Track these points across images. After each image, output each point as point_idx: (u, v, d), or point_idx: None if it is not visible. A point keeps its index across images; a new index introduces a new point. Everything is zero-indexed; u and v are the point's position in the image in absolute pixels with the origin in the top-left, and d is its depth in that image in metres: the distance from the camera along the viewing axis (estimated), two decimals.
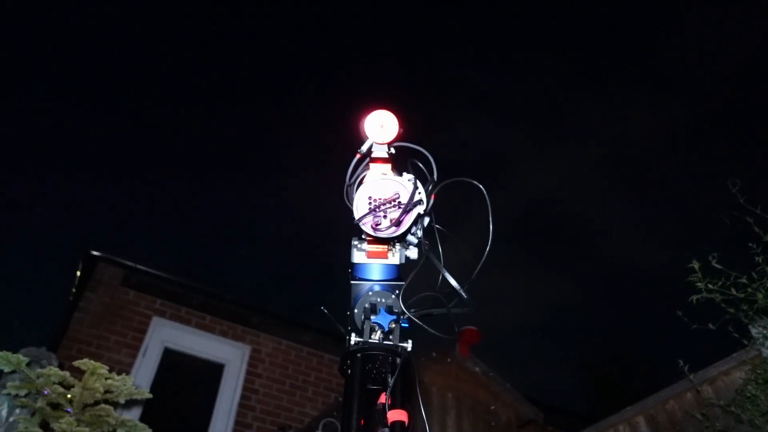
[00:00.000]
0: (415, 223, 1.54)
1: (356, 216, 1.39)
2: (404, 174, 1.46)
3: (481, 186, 1.67)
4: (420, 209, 1.43)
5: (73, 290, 6.39)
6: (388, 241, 1.58)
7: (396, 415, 1.34)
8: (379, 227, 1.40)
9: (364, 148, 1.52)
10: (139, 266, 6.46)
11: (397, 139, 1.57)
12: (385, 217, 1.40)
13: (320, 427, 5.45)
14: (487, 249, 1.62)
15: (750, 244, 3.04)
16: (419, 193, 1.42)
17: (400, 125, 1.57)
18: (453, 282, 1.48)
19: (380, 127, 1.50)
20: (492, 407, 5.92)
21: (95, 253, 6.29)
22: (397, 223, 1.40)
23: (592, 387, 14.68)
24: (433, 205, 1.69)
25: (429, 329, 1.53)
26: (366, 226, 1.40)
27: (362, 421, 1.35)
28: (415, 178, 1.43)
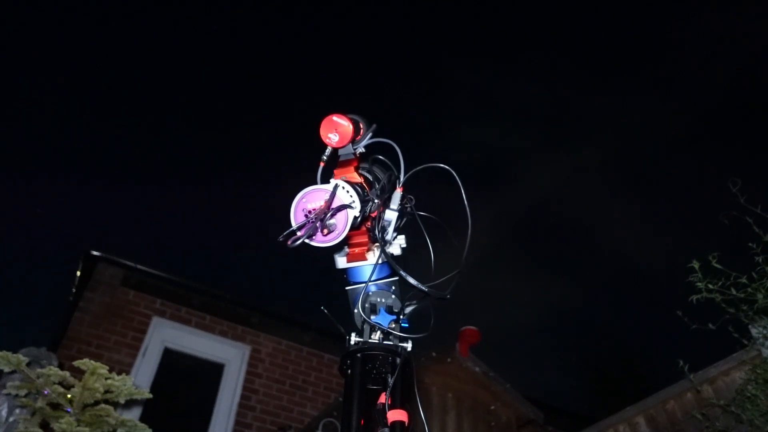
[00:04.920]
0: (371, 223, 1.53)
1: (293, 225, 1.33)
2: (332, 180, 1.42)
3: (449, 168, 1.68)
4: (353, 213, 1.38)
5: (73, 290, 6.39)
6: (341, 245, 1.58)
7: (396, 415, 1.35)
8: (315, 238, 1.35)
9: (326, 155, 1.52)
10: (139, 266, 6.46)
11: (362, 136, 1.57)
12: (323, 226, 1.35)
13: (320, 427, 5.45)
14: (469, 233, 1.63)
15: (750, 244, 3.04)
16: (350, 196, 1.38)
17: (358, 122, 1.56)
18: (412, 280, 1.48)
19: (334, 132, 1.50)
20: (492, 407, 5.92)
21: (95, 253, 6.29)
22: (324, 230, 1.34)
23: (592, 387, 14.69)
24: (407, 197, 1.69)
25: (399, 333, 1.51)
26: (300, 238, 1.31)
27: (362, 421, 1.35)
28: (336, 183, 1.38)
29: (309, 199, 1.37)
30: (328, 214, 1.32)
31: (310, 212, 1.34)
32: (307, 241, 1.32)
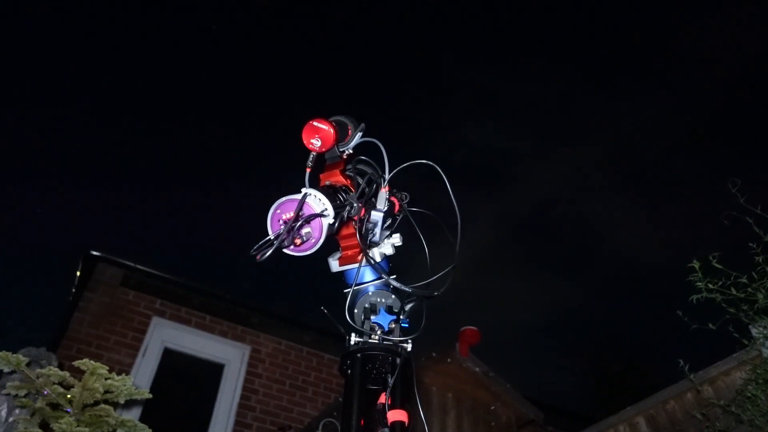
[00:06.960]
0: (355, 225, 1.52)
1: (271, 234, 1.30)
2: (303, 189, 1.38)
3: (432, 164, 1.67)
4: (327, 220, 1.35)
5: (73, 290, 6.39)
6: (336, 248, 1.58)
7: (396, 415, 1.34)
8: (293, 246, 1.33)
9: (311, 161, 1.51)
10: (138, 266, 6.46)
11: (350, 137, 1.56)
12: (299, 234, 1.33)
13: (320, 427, 5.45)
14: (459, 228, 1.62)
15: (750, 244, 3.04)
16: (322, 204, 1.36)
17: (345, 124, 1.56)
18: (394, 282, 1.48)
19: (316, 137, 1.49)
20: (492, 407, 5.92)
21: (95, 253, 6.29)
22: (296, 239, 1.32)
23: (592, 387, 14.69)
24: (401, 194, 1.68)
25: (389, 337, 1.51)
26: (268, 251, 1.27)
27: (362, 421, 1.35)
28: (306, 192, 1.35)
29: (284, 210, 1.34)
30: (297, 224, 1.30)
31: (285, 222, 1.31)
32: (285, 251, 1.30)
